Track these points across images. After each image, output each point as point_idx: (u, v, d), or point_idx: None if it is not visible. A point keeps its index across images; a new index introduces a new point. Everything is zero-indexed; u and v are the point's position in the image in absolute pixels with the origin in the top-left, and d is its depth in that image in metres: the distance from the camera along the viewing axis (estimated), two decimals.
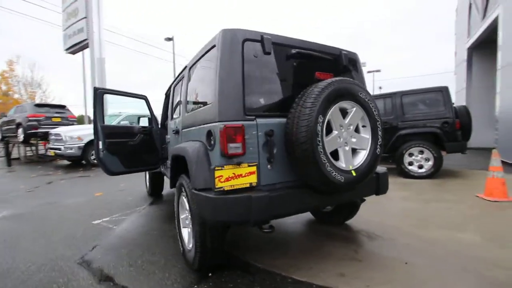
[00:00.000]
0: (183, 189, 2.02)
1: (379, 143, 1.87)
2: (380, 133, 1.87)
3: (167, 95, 3.73)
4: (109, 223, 3.18)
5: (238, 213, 1.57)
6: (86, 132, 8.23)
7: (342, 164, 1.74)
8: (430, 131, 5.02)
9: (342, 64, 2.16)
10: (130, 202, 4.08)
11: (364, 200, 2.50)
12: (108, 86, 13.28)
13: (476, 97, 10.19)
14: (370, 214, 3.03)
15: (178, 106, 2.71)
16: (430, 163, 4.95)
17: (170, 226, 2.96)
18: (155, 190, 4.41)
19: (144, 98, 3.71)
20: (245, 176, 1.64)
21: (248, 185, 1.64)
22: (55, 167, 8.52)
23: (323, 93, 1.61)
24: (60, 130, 8.45)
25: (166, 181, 3.57)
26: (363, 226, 2.74)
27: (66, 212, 3.66)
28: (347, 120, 1.77)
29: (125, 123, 8.67)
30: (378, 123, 1.86)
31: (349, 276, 1.87)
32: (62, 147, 8.04)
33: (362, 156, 1.83)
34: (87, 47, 13.90)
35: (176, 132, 2.55)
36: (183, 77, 2.62)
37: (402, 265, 1.99)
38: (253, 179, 1.66)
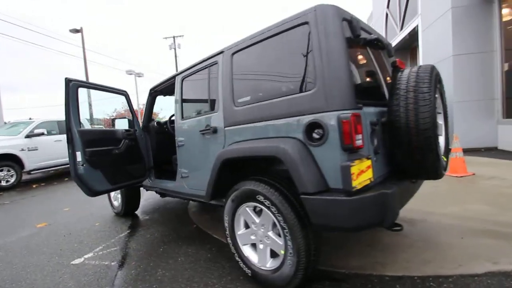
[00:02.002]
0: (258, 198, 1.66)
1: (448, 130, 1.96)
2: (448, 120, 1.96)
3: (158, 93, 3.07)
4: (100, 259, 2.38)
5: (376, 214, 1.37)
6: None
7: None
8: None
9: (391, 52, 2.18)
10: (102, 229, 3.18)
11: None
12: None
13: None
14: None
15: (208, 101, 2.23)
16: None
17: (200, 248, 2.43)
18: (130, 208, 3.55)
19: (124, 94, 2.95)
20: (365, 171, 1.44)
21: (369, 182, 1.45)
22: None
23: (431, 78, 1.56)
24: None
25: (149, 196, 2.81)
26: None
27: (19, 255, 2.57)
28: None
29: (39, 131, 6.90)
30: (447, 109, 1.95)
31: (432, 262, 1.89)
32: None
33: (441, 142, 1.88)
34: None
35: (214, 131, 2.08)
36: (211, 65, 2.17)
37: (459, 240, 2.15)
38: (370, 174, 1.47)
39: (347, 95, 1.44)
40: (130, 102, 2.97)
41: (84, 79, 16.14)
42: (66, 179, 7.16)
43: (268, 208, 1.64)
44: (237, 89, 1.94)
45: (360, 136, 1.41)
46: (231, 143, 1.95)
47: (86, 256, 2.46)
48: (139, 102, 28.35)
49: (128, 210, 3.53)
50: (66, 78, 2.31)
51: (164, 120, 3.53)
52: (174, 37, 27.06)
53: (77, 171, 2.33)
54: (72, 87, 2.32)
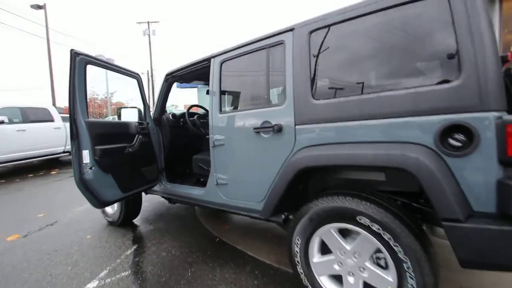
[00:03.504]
0: (360, 220, 1.28)
1: None
2: None
3: (176, 80, 2.52)
4: None
5: None
6: None
7: None
8: None
9: None
10: (98, 244, 2.57)
11: None
12: None
13: None
14: None
15: (265, 91, 1.77)
16: None
17: (239, 271, 1.98)
18: (130, 215, 2.95)
19: (137, 77, 2.37)
20: None
21: None
22: None
23: None
24: None
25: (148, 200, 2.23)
26: None
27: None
28: None
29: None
30: None
31: None
32: None
33: None
34: None
35: (278, 129, 1.63)
36: (271, 46, 1.72)
37: None
38: None
39: (503, 91, 1.10)
40: (143, 88, 2.39)
41: (47, 61, 14.40)
42: (31, 175, 6.14)
43: (374, 233, 1.27)
44: (320, 76, 1.52)
45: None
46: (304, 147, 1.53)
47: (90, 287, 1.89)
48: (109, 90, 26.38)
49: (127, 218, 2.93)
50: (72, 51, 1.71)
51: (180, 111, 2.98)
52: (148, 23, 25.45)
53: (83, 175, 1.75)
54: (79, 63, 1.73)
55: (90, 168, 1.77)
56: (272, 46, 1.72)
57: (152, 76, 26.21)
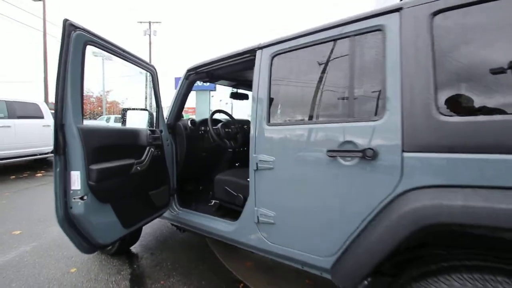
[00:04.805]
0: None
1: None
2: None
3: (200, 78, 1.96)
4: None
5: None
6: None
7: None
8: None
9: None
10: (86, 282, 1.96)
11: None
12: None
13: None
14: None
15: (345, 96, 1.22)
16: None
17: None
18: (126, 242, 2.32)
19: (152, 70, 1.81)
20: None
21: None
22: None
23: None
24: None
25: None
26: None
27: None
28: None
29: None
30: None
31: None
32: None
33: None
34: None
35: (371, 155, 1.08)
36: (358, 34, 1.19)
37: None
38: None
39: None
40: (158, 85, 1.83)
41: (42, 55, 13.64)
42: (13, 177, 5.46)
43: None
44: (453, 79, 0.99)
45: None
46: (421, 186, 0.99)
47: None
48: (105, 88, 25.72)
49: (123, 244, 2.31)
50: (66, 21, 1.14)
51: (200, 118, 2.42)
52: (150, 23, 25.00)
53: (69, 210, 1.17)
54: (76, 41, 1.17)
55: (81, 198, 1.20)
56: (361, 34, 1.19)
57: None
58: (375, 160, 1.09)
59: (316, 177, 1.26)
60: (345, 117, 1.22)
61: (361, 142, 1.13)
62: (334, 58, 1.27)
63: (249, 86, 2.77)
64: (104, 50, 1.40)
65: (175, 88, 2.05)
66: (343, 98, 1.26)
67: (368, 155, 1.09)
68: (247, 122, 2.95)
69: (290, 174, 1.36)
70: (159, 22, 31.01)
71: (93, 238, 1.29)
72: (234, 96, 2.62)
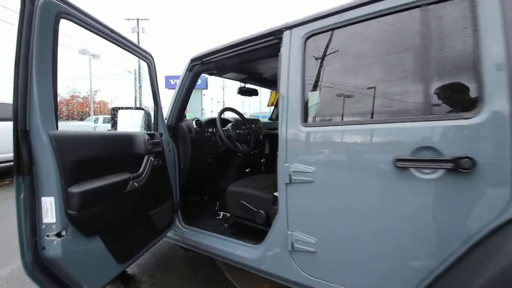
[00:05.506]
0: None
1: None
2: None
3: (206, 69, 1.62)
4: None
5: None
6: None
7: None
8: None
9: None
10: None
11: None
12: None
13: None
14: None
15: (424, 86, 0.91)
16: None
17: None
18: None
19: (149, 59, 1.46)
20: None
21: None
22: None
23: None
24: None
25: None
26: None
27: None
28: None
29: None
30: None
31: None
32: None
33: None
34: None
35: (464, 166, 0.78)
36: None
37: None
38: None
39: None
40: (155, 76, 1.48)
41: None
42: None
43: None
44: None
45: None
46: None
47: None
48: (92, 87, 24.88)
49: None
50: None
51: (208, 117, 2.07)
52: (138, 20, 24.26)
53: (41, 253, 0.83)
54: (43, 13, 0.82)
55: (58, 235, 0.85)
56: (441, 2, 0.87)
57: (140, 75, 24.89)
58: (471, 171, 0.79)
59: (376, 194, 0.95)
60: (419, 114, 0.91)
61: (445, 147, 0.83)
62: (401, 35, 0.95)
63: (260, 80, 2.43)
64: (85, 28, 1.04)
65: (166, 87, 1.69)
66: (413, 89, 0.95)
67: (463, 166, 0.78)
68: (256, 121, 2.62)
69: (338, 190, 1.04)
70: (148, 19, 30.26)
71: (77, 285, 0.94)
72: (243, 92, 2.29)
